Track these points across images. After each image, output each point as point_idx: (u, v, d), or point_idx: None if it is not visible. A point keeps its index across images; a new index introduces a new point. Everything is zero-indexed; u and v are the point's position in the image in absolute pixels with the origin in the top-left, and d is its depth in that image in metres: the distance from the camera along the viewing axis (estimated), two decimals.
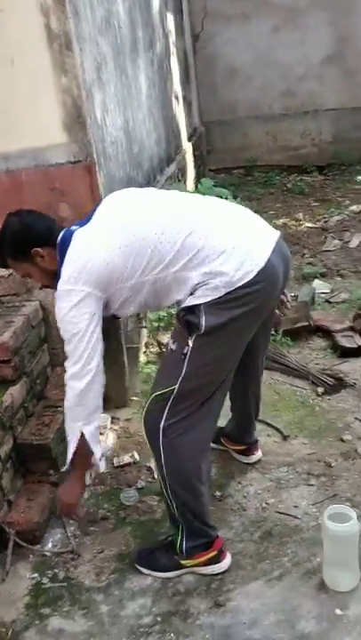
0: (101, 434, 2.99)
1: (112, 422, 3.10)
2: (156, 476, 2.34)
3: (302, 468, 2.74)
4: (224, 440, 2.81)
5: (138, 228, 2.04)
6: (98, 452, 2.14)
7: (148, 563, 2.27)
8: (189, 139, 6.37)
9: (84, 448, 2.10)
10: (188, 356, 2.04)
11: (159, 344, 3.57)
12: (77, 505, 2.24)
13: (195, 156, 6.41)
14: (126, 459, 2.84)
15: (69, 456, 2.12)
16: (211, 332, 2.00)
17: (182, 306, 2.05)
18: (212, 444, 2.76)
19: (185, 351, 2.04)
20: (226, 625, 2.05)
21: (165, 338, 3.57)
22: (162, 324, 3.65)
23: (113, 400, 3.20)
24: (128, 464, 2.83)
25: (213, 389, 2.12)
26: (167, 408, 2.08)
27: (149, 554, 2.29)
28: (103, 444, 2.93)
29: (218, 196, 4.48)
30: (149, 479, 2.74)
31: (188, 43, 7.03)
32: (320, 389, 3.27)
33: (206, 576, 2.24)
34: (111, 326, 3.00)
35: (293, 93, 7.59)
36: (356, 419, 3.04)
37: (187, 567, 2.24)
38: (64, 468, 2.25)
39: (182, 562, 2.23)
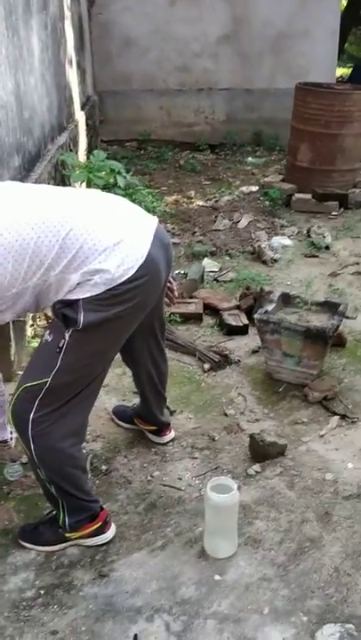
0: None
1: None
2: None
3: (187, 442, 2.81)
4: (137, 420, 2.81)
5: (14, 225, 1.87)
6: None
7: (32, 538, 2.26)
8: (82, 107, 6.23)
9: None
10: (63, 350, 1.96)
11: (47, 317, 3.51)
12: None
13: (87, 125, 6.28)
14: (9, 434, 2.78)
15: None
16: (90, 327, 1.92)
17: (59, 299, 1.94)
18: (127, 425, 2.85)
19: (60, 344, 1.96)
20: (109, 594, 2.09)
21: None
22: None
23: None
24: (11, 438, 2.78)
25: (88, 382, 2.07)
26: (37, 400, 2.00)
27: (33, 529, 2.27)
28: None
29: (110, 170, 4.50)
30: None
31: (84, 7, 6.84)
32: (206, 366, 3.36)
33: (90, 548, 2.27)
34: None
35: (189, 69, 7.61)
36: (239, 394, 3.15)
37: (72, 540, 2.25)
38: None
39: (67, 535, 2.24)
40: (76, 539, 2.25)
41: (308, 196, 5.77)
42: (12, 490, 2.52)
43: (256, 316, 3.17)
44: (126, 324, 2.07)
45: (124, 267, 1.92)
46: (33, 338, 3.44)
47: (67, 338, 1.95)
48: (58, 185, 4.08)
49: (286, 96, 7.65)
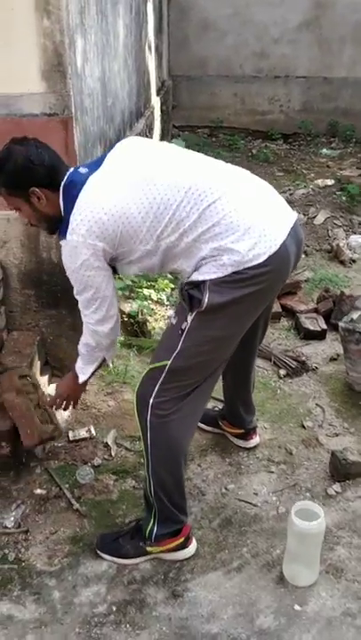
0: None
1: None
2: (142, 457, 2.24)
3: (263, 454, 2.69)
4: (223, 423, 2.74)
5: (161, 184, 1.91)
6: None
7: (112, 549, 2.18)
8: (158, 92, 6.10)
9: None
10: (185, 333, 1.96)
11: (121, 312, 3.43)
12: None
13: (162, 111, 6.16)
14: (82, 433, 2.72)
15: (88, 373, 2.28)
16: (212, 310, 1.91)
17: (188, 280, 1.96)
18: (209, 428, 2.78)
19: (183, 327, 1.97)
20: (183, 617, 2.01)
21: (128, 307, 3.43)
22: (125, 292, 3.51)
23: (69, 369, 3.06)
24: (84, 439, 2.71)
25: (207, 373, 2.05)
26: (158, 384, 2.01)
27: (113, 540, 2.20)
28: (58, 415, 2.81)
29: None
30: (106, 456, 2.64)
31: None
32: (282, 372, 3.23)
33: (163, 563, 2.19)
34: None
35: (267, 56, 7.37)
36: (317, 405, 3.01)
37: (152, 554, 2.17)
38: (82, 380, 2.31)
39: (148, 549, 2.16)
40: (156, 553, 2.17)
41: None
42: (84, 494, 2.45)
43: (341, 324, 3.01)
44: (248, 310, 2.03)
45: (255, 251, 1.89)
46: None
47: (189, 321, 1.95)
48: None
49: None
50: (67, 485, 2.48)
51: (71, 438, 2.69)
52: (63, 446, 2.67)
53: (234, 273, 1.88)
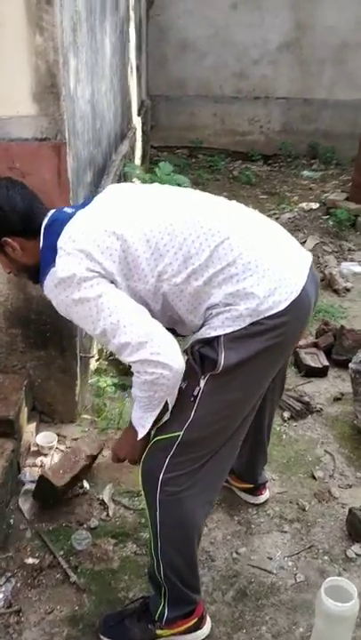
0: (45, 455, 2.62)
1: (57, 441, 2.71)
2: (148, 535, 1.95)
3: (274, 511, 2.47)
4: (230, 477, 2.46)
5: (166, 216, 1.69)
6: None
7: (117, 633, 1.92)
8: (138, 113, 5.91)
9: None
10: (197, 399, 1.70)
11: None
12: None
13: (143, 132, 5.97)
14: (75, 488, 2.46)
15: (149, 425, 1.74)
16: (229, 370, 1.65)
17: (198, 338, 1.70)
18: None
19: (195, 393, 1.69)
20: None
21: None
22: None
23: (59, 414, 2.82)
24: (77, 495, 2.46)
25: (224, 440, 1.79)
26: (168, 458, 1.74)
27: (118, 623, 1.94)
28: (47, 466, 2.56)
29: (177, 184, 4.17)
30: (103, 516, 2.39)
31: (143, 8, 6.52)
32: (286, 414, 3.02)
33: None
34: (64, 327, 2.61)
35: (246, 76, 7.25)
36: (325, 452, 2.80)
37: (163, 637, 1.92)
38: (143, 434, 1.77)
39: (158, 632, 1.91)
40: (167, 636, 1.92)
41: None
42: (81, 562, 2.20)
43: (352, 365, 2.82)
44: (268, 365, 1.77)
45: (275, 297, 1.65)
46: (97, 373, 3.11)
47: (202, 385, 1.69)
48: None
49: (346, 108, 7.36)
50: (61, 553, 2.22)
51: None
52: (55, 504, 2.41)
53: (251, 324, 1.65)
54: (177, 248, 1.67)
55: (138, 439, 1.77)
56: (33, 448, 2.67)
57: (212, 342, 1.67)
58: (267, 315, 1.64)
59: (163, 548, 1.82)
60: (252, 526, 2.40)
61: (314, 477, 2.65)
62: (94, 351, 3.11)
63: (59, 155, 2.41)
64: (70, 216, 1.75)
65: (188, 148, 7.46)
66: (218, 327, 1.66)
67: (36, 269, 1.77)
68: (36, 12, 2.21)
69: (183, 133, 7.40)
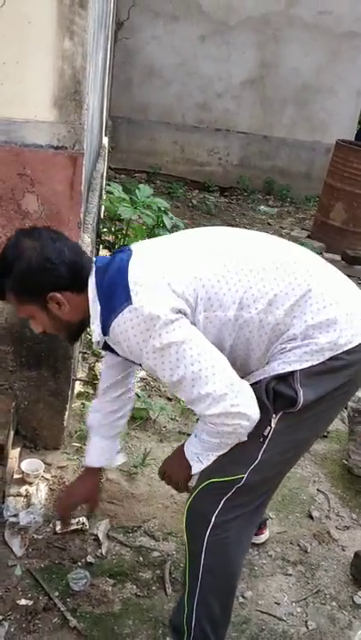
0: (30, 484, 2.43)
1: (43, 470, 2.51)
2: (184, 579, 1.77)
3: (275, 552, 2.37)
4: None
5: (236, 253, 1.59)
6: None
7: None
8: (105, 132, 5.81)
9: None
10: (267, 439, 1.57)
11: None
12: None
13: (108, 152, 5.86)
14: (72, 524, 2.27)
15: (206, 463, 1.62)
16: (305, 409, 1.54)
17: (273, 374, 1.56)
18: None
19: (265, 432, 1.56)
20: None
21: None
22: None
23: (43, 439, 2.63)
24: (71, 530, 2.27)
25: (280, 480, 1.69)
26: (224, 500, 1.61)
27: None
28: (34, 497, 2.37)
29: (158, 208, 4.08)
30: (98, 553, 2.22)
31: (111, 29, 6.46)
32: None
33: None
34: (59, 347, 2.45)
35: (209, 108, 7.31)
36: (318, 491, 2.73)
37: None
38: (196, 471, 1.65)
39: None
40: None
41: (338, 256, 5.48)
42: (80, 605, 2.01)
43: (351, 404, 2.78)
44: (339, 405, 1.69)
45: (353, 330, 1.56)
46: (78, 397, 2.93)
47: (273, 424, 1.56)
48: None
49: (303, 148, 7.54)
50: (57, 593, 2.03)
51: (59, 531, 2.24)
52: (46, 539, 2.22)
53: (329, 359, 1.55)
54: (256, 273, 1.57)
55: (191, 473, 1.64)
56: (16, 475, 2.47)
57: (286, 378, 1.55)
58: (346, 349, 1.56)
59: (202, 597, 1.69)
60: (255, 568, 2.28)
61: (311, 517, 2.57)
62: (82, 374, 2.94)
63: (74, 165, 2.27)
64: (120, 259, 1.60)
65: (146, 172, 7.40)
66: (294, 362, 1.54)
67: (80, 326, 1.66)
68: (69, 15, 2.08)
69: (142, 158, 7.35)
